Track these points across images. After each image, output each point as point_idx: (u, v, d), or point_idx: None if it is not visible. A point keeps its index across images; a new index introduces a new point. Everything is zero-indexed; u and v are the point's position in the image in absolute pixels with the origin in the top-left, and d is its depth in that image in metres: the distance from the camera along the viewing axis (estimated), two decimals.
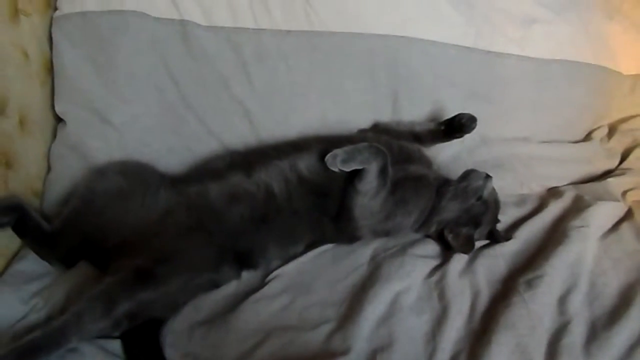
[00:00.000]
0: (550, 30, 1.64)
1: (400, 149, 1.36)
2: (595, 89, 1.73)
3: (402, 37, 1.48)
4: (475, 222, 1.31)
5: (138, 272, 1.06)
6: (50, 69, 1.36)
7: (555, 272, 1.18)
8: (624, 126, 1.82)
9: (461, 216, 1.30)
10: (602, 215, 1.37)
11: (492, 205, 1.34)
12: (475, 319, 1.11)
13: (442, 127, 1.46)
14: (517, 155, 1.64)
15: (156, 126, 1.40)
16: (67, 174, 1.35)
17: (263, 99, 1.45)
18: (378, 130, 1.51)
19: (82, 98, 1.34)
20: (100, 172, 1.28)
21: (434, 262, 1.27)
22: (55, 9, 1.33)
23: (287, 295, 1.17)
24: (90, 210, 1.21)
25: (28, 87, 1.30)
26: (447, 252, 1.31)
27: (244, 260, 1.22)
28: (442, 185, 1.34)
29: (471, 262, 1.26)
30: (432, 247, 1.33)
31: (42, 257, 1.21)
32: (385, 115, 1.55)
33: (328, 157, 1.20)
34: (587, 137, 1.79)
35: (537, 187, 1.63)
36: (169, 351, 1.04)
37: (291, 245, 1.28)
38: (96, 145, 1.36)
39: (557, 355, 1.02)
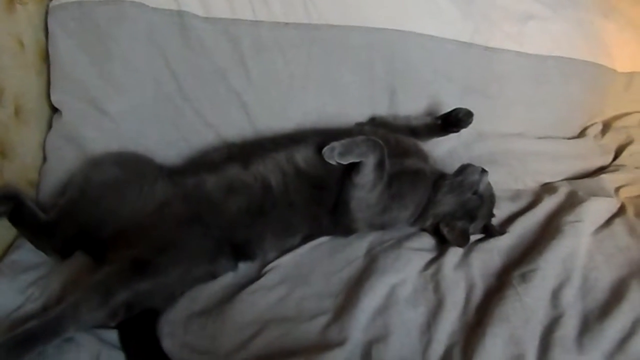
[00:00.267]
0: (546, 27, 1.66)
1: (397, 143, 1.37)
2: (590, 86, 1.76)
3: (400, 31, 1.49)
4: (471, 216, 1.32)
5: (135, 263, 1.06)
6: (45, 58, 1.34)
7: (549, 266, 1.19)
8: (618, 123, 1.85)
9: (457, 210, 1.31)
10: (596, 210, 1.38)
11: (488, 200, 1.35)
12: (470, 311, 1.13)
13: (439, 122, 1.47)
14: (512, 150, 1.66)
15: (153, 117, 1.39)
16: (63, 164, 1.34)
17: (260, 91, 1.45)
18: (375, 123, 1.52)
19: (78, 88, 1.33)
20: (97, 163, 1.28)
21: (430, 255, 1.28)
22: None
23: (284, 286, 1.17)
24: (86, 200, 1.21)
25: (23, 76, 1.28)
26: (442, 245, 1.32)
27: (240, 251, 1.22)
28: (438, 179, 1.35)
29: (466, 255, 1.27)
30: (427, 241, 1.34)
31: (38, 247, 1.21)
32: (382, 109, 1.56)
33: (325, 150, 1.20)
34: (582, 134, 1.82)
35: (531, 183, 1.65)
36: (165, 341, 1.05)
37: (288, 237, 1.29)
38: (92, 135, 1.35)
39: (550, 348, 1.03)
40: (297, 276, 1.21)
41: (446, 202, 1.32)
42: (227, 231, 1.20)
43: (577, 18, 1.72)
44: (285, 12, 1.41)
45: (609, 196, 1.49)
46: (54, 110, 1.37)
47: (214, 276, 1.19)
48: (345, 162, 1.20)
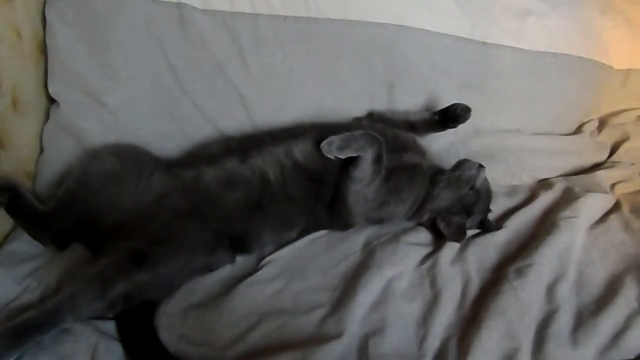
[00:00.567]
0: (544, 24, 1.66)
1: (395, 138, 1.37)
2: (587, 83, 1.76)
3: (399, 26, 1.48)
4: (467, 211, 1.32)
5: (134, 254, 1.06)
6: (43, 50, 1.34)
7: (545, 261, 1.20)
8: (614, 120, 1.86)
9: (454, 205, 1.32)
10: (591, 206, 1.39)
11: (484, 195, 1.36)
12: (466, 305, 1.14)
13: (437, 117, 1.47)
14: (509, 146, 1.67)
15: (151, 109, 1.39)
16: (60, 155, 1.34)
17: (259, 84, 1.44)
18: (373, 118, 1.52)
19: (75, 79, 1.33)
20: (95, 154, 1.28)
21: (426, 250, 1.29)
22: None
23: (281, 279, 1.18)
24: (84, 191, 1.21)
25: (21, 67, 1.28)
26: (439, 240, 1.33)
27: (238, 244, 1.23)
28: (436, 174, 1.35)
29: (462, 250, 1.28)
30: (424, 235, 1.35)
31: (35, 238, 1.21)
32: (380, 104, 1.56)
33: (324, 144, 1.21)
34: (578, 130, 1.82)
35: (527, 179, 1.66)
36: (163, 333, 1.05)
37: (285, 231, 1.29)
38: (90, 127, 1.35)
39: (545, 341, 1.04)
40: (294, 269, 1.21)
41: (443, 197, 1.32)
42: (225, 224, 1.20)
43: (575, 15, 1.72)
44: (284, 6, 1.40)
45: (605, 192, 1.49)
46: (52, 101, 1.37)
47: (211, 269, 1.19)
48: (343, 156, 1.21)
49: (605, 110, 1.88)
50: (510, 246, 1.29)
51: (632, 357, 1.04)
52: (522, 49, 1.63)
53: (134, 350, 1.01)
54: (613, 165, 1.70)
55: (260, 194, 1.23)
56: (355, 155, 1.21)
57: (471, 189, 1.32)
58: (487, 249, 1.28)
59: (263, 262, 1.23)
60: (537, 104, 1.72)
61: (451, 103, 1.44)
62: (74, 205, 1.21)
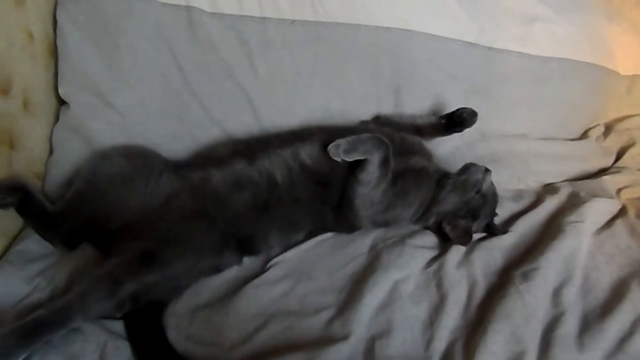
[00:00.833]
0: (551, 29, 1.67)
1: (401, 141, 1.37)
2: (593, 88, 1.76)
3: (406, 30, 1.49)
4: (474, 215, 1.33)
5: (143, 254, 1.07)
6: (54, 51, 1.36)
7: (551, 265, 1.20)
8: (620, 125, 1.86)
9: (460, 209, 1.32)
10: (597, 211, 1.39)
11: (490, 199, 1.36)
12: (472, 308, 1.14)
13: (443, 121, 1.48)
14: (515, 151, 1.67)
15: (159, 111, 1.40)
16: (69, 156, 1.35)
17: (267, 87, 1.45)
18: (380, 122, 1.53)
19: (85, 81, 1.34)
20: (104, 155, 1.29)
21: (432, 253, 1.29)
22: None
23: (288, 281, 1.18)
24: (93, 192, 1.22)
25: (32, 68, 1.30)
26: (444, 243, 1.33)
27: (245, 246, 1.23)
28: (442, 177, 1.36)
29: (468, 253, 1.28)
30: (430, 239, 1.35)
31: (45, 238, 1.22)
32: (387, 108, 1.57)
33: (331, 147, 1.21)
34: (584, 135, 1.83)
35: (533, 183, 1.66)
36: (171, 333, 1.06)
37: (292, 233, 1.30)
38: (99, 128, 1.36)
39: (551, 345, 1.04)
40: (301, 271, 1.22)
41: (449, 201, 1.33)
42: (232, 225, 1.20)
43: (581, 21, 1.73)
44: (292, 10, 1.42)
45: (611, 197, 1.49)
46: (61, 102, 1.39)
47: (218, 270, 1.20)
48: (350, 159, 1.21)
49: (611, 115, 1.89)
50: (516, 250, 1.29)
51: None
52: (528, 54, 1.63)
53: (142, 350, 1.01)
54: (619, 170, 1.70)
55: (267, 196, 1.24)
56: (362, 158, 1.21)
57: (477, 192, 1.32)
58: (493, 253, 1.28)
59: (270, 263, 1.24)
60: (543, 109, 1.72)
61: (457, 107, 1.44)
62: (83, 206, 1.22)
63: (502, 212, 1.43)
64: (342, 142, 1.21)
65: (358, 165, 1.23)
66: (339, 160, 1.21)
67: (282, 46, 1.43)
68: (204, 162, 1.31)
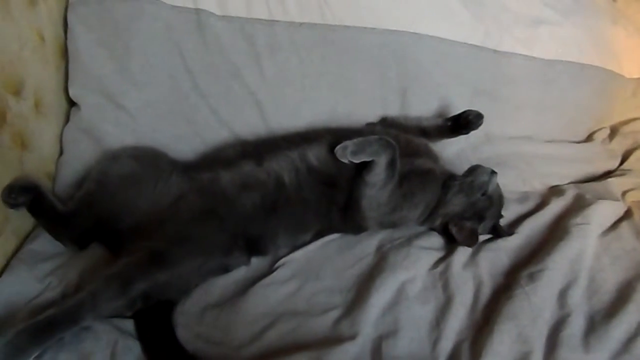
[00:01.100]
0: (556, 32, 1.68)
1: (407, 143, 1.38)
2: (598, 91, 1.77)
3: (412, 33, 1.50)
4: (480, 217, 1.33)
5: (154, 254, 1.08)
6: (64, 53, 1.38)
7: (557, 266, 1.21)
8: (625, 128, 1.87)
9: (466, 210, 1.33)
10: (603, 213, 1.40)
11: (496, 201, 1.37)
12: (478, 309, 1.14)
13: (449, 123, 1.49)
14: (520, 153, 1.68)
15: (168, 113, 1.42)
16: (79, 157, 1.37)
17: (274, 89, 1.47)
18: (386, 124, 1.54)
19: (96, 83, 1.36)
20: (114, 156, 1.30)
21: (439, 254, 1.30)
22: None
23: (296, 281, 1.20)
24: (104, 193, 1.23)
25: (43, 70, 1.31)
26: (451, 245, 1.34)
27: (254, 246, 1.24)
28: (448, 179, 1.36)
29: (474, 255, 1.29)
30: (436, 240, 1.36)
31: (56, 237, 1.23)
32: (393, 110, 1.58)
33: (338, 149, 1.23)
34: (589, 138, 1.84)
35: (538, 185, 1.66)
36: (180, 332, 1.07)
37: (300, 234, 1.31)
38: (109, 129, 1.38)
39: (557, 346, 1.05)
40: (308, 271, 1.23)
41: (456, 202, 1.33)
42: (241, 226, 1.22)
43: (587, 24, 1.74)
44: (300, 12, 1.43)
45: (616, 200, 1.50)
46: (72, 103, 1.40)
47: (227, 269, 1.21)
48: (357, 160, 1.22)
49: (616, 118, 1.90)
50: (522, 251, 1.30)
51: None
52: (533, 57, 1.65)
53: (152, 348, 1.02)
54: (624, 173, 1.70)
55: (275, 197, 1.25)
56: (369, 159, 1.23)
57: (483, 194, 1.33)
58: (499, 254, 1.29)
59: (277, 263, 1.25)
60: (548, 112, 1.73)
61: (463, 110, 1.46)
62: (94, 206, 1.23)
63: (508, 214, 1.44)
64: (350, 144, 1.22)
65: (365, 166, 1.24)
66: (346, 161, 1.23)
67: (290, 49, 1.44)
68: (212, 163, 1.32)
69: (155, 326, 1.06)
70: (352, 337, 1.05)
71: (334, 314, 1.11)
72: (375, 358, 1.03)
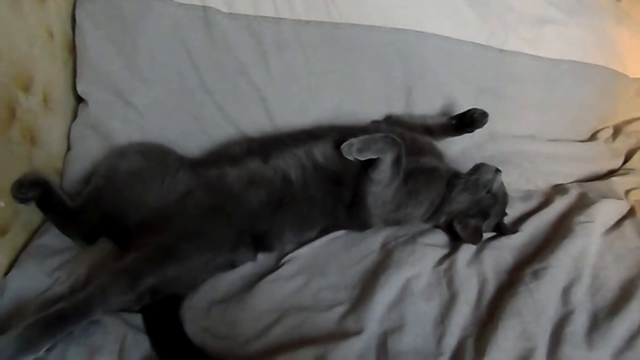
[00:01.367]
0: (561, 32, 1.68)
1: (412, 141, 1.39)
2: (602, 91, 1.78)
3: (418, 31, 1.51)
4: (484, 214, 1.34)
5: (163, 249, 1.09)
6: (72, 50, 1.38)
7: (560, 264, 1.22)
8: (629, 128, 1.88)
9: (470, 208, 1.34)
10: (606, 212, 1.41)
11: (501, 199, 1.38)
12: (482, 306, 1.16)
13: (454, 122, 1.50)
14: (524, 152, 1.69)
15: (175, 110, 1.43)
16: (87, 153, 1.38)
17: (280, 87, 1.48)
18: (391, 122, 1.55)
19: (103, 79, 1.37)
20: (122, 152, 1.31)
21: (443, 251, 1.31)
22: None
23: (302, 277, 1.21)
24: (112, 188, 1.24)
25: (52, 66, 1.32)
26: (455, 242, 1.35)
27: (260, 242, 1.26)
28: (453, 177, 1.37)
29: (478, 252, 1.30)
30: (440, 237, 1.37)
31: (64, 232, 1.24)
32: (398, 108, 1.59)
33: (344, 146, 1.23)
34: (593, 137, 1.85)
35: (542, 184, 1.67)
36: (188, 326, 1.08)
37: (305, 230, 1.32)
38: (116, 126, 1.39)
39: (560, 343, 1.06)
40: (314, 268, 1.24)
41: (460, 200, 1.34)
42: (247, 222, 1.23)
43: (591, 24, 1.74)
44: (306, 10, 1.44)
45: (619, 198, 1.51)
46: (79, 100, 1.41)
47: (234, 265, 1.22)
48: (363, 158, 1.23)
49: (620, 118, 1.90)
50: (526, 249, 1.31)
51: None
52: (538, 57, 1.65)
53: (160, 342, 1.03)
54: (627, 172, 1.71)
55: (281, 194, 1.26)
56: (374, 157, 1.23)
57: (488, 192, 1.34)
58: (503, 252, 1.30)
59: (283, 260, 1.26)
60: (552, 111, 1.74)
61: (467, 108, 1.47)
62: (102, 201, 1.24)
63: (512, 212, 1.45)
64: (355, 141, 1.23)
65: (370, 164, 1.25)
66: (352, 159, 1.23)
67: (296, 46, 1.45)
68: (219, 160, 1.33)
69: (163, 321, 1.07)
70: (358, 333, 1.06)
71: (340, 310, 1.12)
72: (380, 353, 1.04)
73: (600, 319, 1.12)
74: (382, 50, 1.51)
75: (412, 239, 1.33)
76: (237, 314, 1.11)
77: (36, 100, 1.25)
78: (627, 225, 1.39)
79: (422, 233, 1.37)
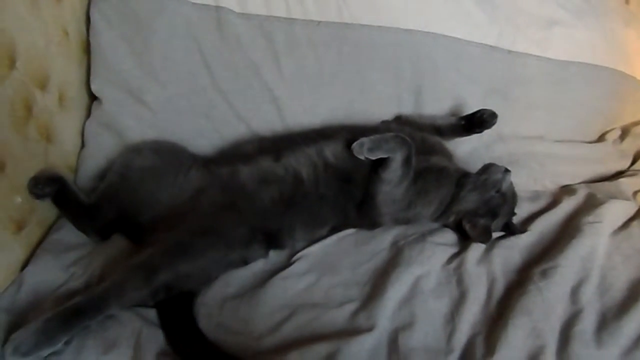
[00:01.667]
0: (570, 34, 1.69)
1: (422, 141, 1.41)
2: (610, 92, 1.79)
3: (427, 32, 1.53)
4: (493, 214, 1.35)
5: (178, 245, 1.11)
6: (87, 48, 1.40)
7: (569, 263, 1.23)
8: (637, 129, 1.87)
9: (479, 207, 1.35)
10: (615, 212, 1.42)
11: (510, 198, 1.39)
12: (492, 304, 1.16)
13: (463, 122, 1.51)
14: (532, 152, 1.70)
15: (188, 108, 1.44)
16: (101, 150, 1.40)
17: (291, 86, 1.49)
18: (401, 122, 1.57)
19: (117, 78, 1.38)
20: (136, 150, 1.33)
21: (452, 250, 1.32)
22: None
23: (313, 274, 1.22)
24: (126, 185, 1.26)
25: (67, 64, 1.34)
26: (464, 241, 1.36)
27: (272, 240, 1.27)
28: (462, 177, 1.38)
29: (488, 251, 1.30)
30: (450, 236, 1.38)
31: (79, 228, 1.26)
32: (408, 108, 1.60)
33: (355, 145, 1.25)
34: (601, 138, 1.85)
35: (550, 185, 1.68)
36: (202, 321, 1.09)
37: (317, 228, 1.33)
38: (130, 124, 1.41)
39: (570, 341, 1.07)
40: (325, 265, 1.25)
41: (469, 200, 1.35)
42: (260, 220, 1.24)
43: (600, 26, 1.75)
44: (318, 11, 1.45)
45: (627, 199, 1.52)
46: (93, 98, 1.43)
47: (246, 262, 1.23)
48: (373, 157, 1.25)
49: (627, 119, 1.90)
50: (535, 249, 1.32)
51: None
52: (547, 58, 1.66)
53: (175, 337, 1.05)
54: (635, 173, 1.72)
55: (293, 192, 1.28)
56: (385, 156, 1.25)
57: (497, 192, 1.35)
58: (512, 251, 1.31)
59: (295, 257, 1.27)
60: (560, 112, 1.75)
61: (476, 109, 1.48)
62: (116, 198, 1.26)
63: (520, 212, 1.45)
64: (366, 141, 1.25)
65: (381, 163, 1.26)
66: (363, 158, 1.25)
67: (308, 47, 1.47)
68: (231, 158, 1.35)
69: (177, 316, 1.09)
70: (369, 329, 1.07)
71: (351, 307, 1.13)
72: (391, 350, 1.05)
73: (609, 318, 1.12)
74: (392, 51, 1.52)
75: (422, 237, 1.34)
76: (250, 310, 1.12)
77: (52, 98, 1.26)
78: (635, 226, 1.40)
79: (431, 232, 1.38)
